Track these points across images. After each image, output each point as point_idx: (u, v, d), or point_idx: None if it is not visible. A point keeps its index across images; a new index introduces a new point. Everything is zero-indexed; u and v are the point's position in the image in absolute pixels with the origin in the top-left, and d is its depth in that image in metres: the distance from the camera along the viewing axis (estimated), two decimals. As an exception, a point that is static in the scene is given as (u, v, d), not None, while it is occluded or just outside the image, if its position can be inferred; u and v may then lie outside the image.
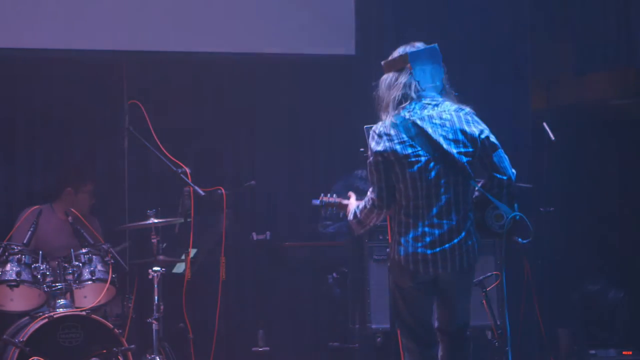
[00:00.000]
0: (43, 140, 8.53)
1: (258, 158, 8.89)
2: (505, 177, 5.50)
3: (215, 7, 8.58)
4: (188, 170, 7.39)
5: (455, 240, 5.44)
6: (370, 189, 5.57)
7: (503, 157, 5.51)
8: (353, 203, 5.87)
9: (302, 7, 8.71)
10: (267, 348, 7.84)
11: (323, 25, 8.73)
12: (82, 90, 8.48)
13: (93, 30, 8.32)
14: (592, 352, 8.19)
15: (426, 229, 5.44)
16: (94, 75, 8.47)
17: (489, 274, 7.01)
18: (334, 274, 7.97)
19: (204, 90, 8.75)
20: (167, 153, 7.41)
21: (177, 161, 7.41)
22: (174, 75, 8.66)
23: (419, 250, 5.44)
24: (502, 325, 7.16)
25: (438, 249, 5.43)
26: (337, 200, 6.09)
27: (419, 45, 5.60)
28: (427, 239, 5.43)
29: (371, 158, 5.52)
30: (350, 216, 5.76)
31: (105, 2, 8.38)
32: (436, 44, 5.63)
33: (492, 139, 5.51)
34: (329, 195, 6.16)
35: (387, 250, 5.71)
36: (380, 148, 5.48)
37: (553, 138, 7.48)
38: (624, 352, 8.19)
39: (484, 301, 6.94)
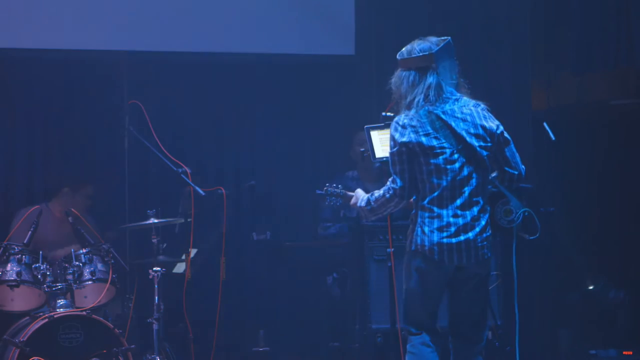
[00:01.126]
0: (43, 140, 8.53)
1: (258, 158, 8.88)
2: (516, 172, 5.67)
3: (215, 8, 8.57)
4: (188, 170, 7.38)
5: (478, 229, 5.56)
6: (391, 179, 5.64)
7: (515, 152, 5.67)
8: (360, 192, 5.93)
9: (302, 7, 8.71)
10: (267, 348, 7.84)
11: (323, 25, 8.73)
12: (82, 90, 8.48)
13: (93, 30, 8.31)
14: (592, 352, 8.20)
15: (451, 219, 5.55)
16: (94, 75, 8.46)
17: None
18: (334, 274, 7.97)
19: (204, 90, 8.75)
20: (167, 153, 7.41)
21: (177, 161, 7.41)
22: (174, 75, 8.65)
23: (444, 240, 5.54)
24: (502, 325, 7.18)
25: (462, 238, 5.54)
26: (342, 191, 6.12)
27: (435, 40, 5.65)
28: (452, 229, 5.54)
29: (395, 148, 5.58)
30: (362, 203, 5.81)
31: (105, 2, 8.38)
32: (450, 38, 5.66)
33: (506, 134, 5.66)
34: (334, 185, 6.19)
35: (406, 241, 5.73)
36: (405, 139, 5.55)
37: (553, 138, 7.49)
38: (624, 352, 8.19)
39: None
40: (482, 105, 5.67)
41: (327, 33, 8.74)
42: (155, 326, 7.16)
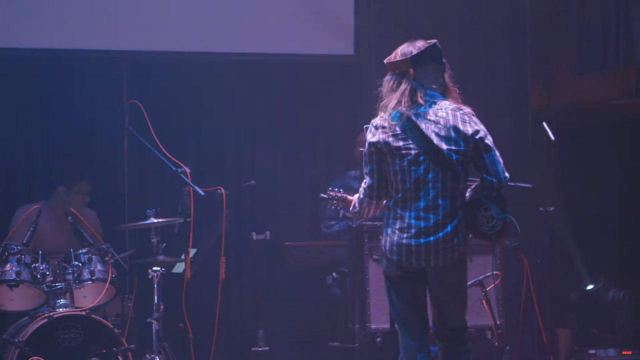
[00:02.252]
0: (43, 140, 8.53)
1: (258, 158, 8.88)
2: (495, 180, 5.53)
3: (215, 8, 8.58)
4: (188, 170, 7.39)
5: (441, 234, 5.50)
6: (364, 181, 5.66)
7: (496, 160, 5.53)
8: (355, 198, 5.93)
9: (302, 7, 8.71)
10: (267, 348, 7.83)
11: (323, 25, 8.73)
12: (82, 90, 8.48)
13: (93, 30, 8.32)
14: (592, 352, 8.19)
15: (412, 221, 5.51)
16: (94, 75, 8.46)
17: (488, 273, 7.01)
18: (334, 274, 7.97)
19: (203, 90, 8.75)
20: (167, 153, 7.41)
21: (177, 161, 7.41)
22: (174, 75, 8.65)
23: (404, 241, 5.51)
24: (502, 325, 7.18)
25: (422, 241, 5.50)
26: (343, 195, 6.16)
27: (420, 44, 5.62)
28: (413, 231, 5.51)
29: (366, 149, 5.61)
30: (351, 207, 5.84)
31: (105, 2, 8.38)
32: (435, 40, 5.65)
33: (487, 140, 5.53)
34: (336, 189, 6.22)
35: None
36: (374, 139, 5.57)
37: (553, 138, 7.48)
38: (624, 352, 8.19)
39: (483, 301, 6.95)
40: (466, 110, 5.57)
41: (327, 33, 8.75)
42: (155, 326, 7.16)
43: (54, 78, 8.47)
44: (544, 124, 7.58)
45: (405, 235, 5.51)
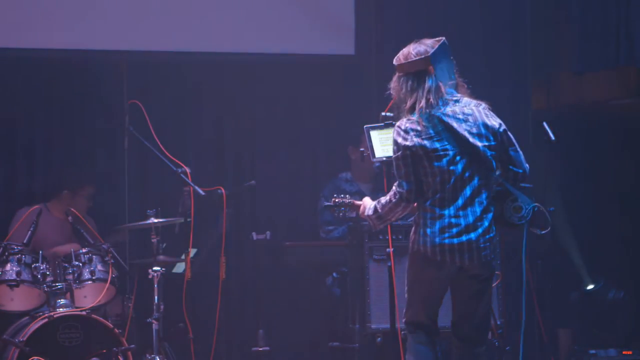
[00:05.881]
0: (43, 140, 8.53)
1: (258, 158, 8.88)
2: (520, 171, 5.67)
3: (215, 7, 8.58)
4: (188, 170, 7.39)
5: (480, 230, 5.56)
6: (396, 184, 5.65)
7: (519, 151, 5.67)
8: (368, 200, 5.95)
9: (302, 6, 8.71)
10: (267, 348, 7.83)
11: (323, 25, 8.73)
12: (82, 90, 8.48)
13: (93, 30, 8.31)
14: (592, 352, 8.19)
15: (452, 219, 5.56)
16: (94, 75, 8.46)
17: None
18: (334, 274, 7.97)
19: (203, 90, 8.75)
20: (167, 153, 7.41)
21: (177, 161, 7.42)
22: (174, 75, 8.65)
23: (446, 241, 5.55)
24: (502, 325, 7.17)
25: (464, 238, 5.55)
26: (350, 200, 6.15)
27: (430, 42, 5.65)
28: (454, 230, 5.55)
29: (399, 153, 5.59)
30: (370, 212, 5.83)
31: (105, 2, 8.38)
32: (444, 38, 5.66)
33: (509, 133, 5.66)
34: (341, 196, 6.21)
35: (408, 243, 5.74)
36: (408, 143, 5.56)
37: (553, 138, 7.48)
38: (624, 352, 8.19)
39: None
40: (484, 105, 5.68)
41: (327, 33, 8.74)
42: (155, 326, 7.16)
43: (53, 78, 8.46)
44: (544, 123, 7.58)
45: (447, 234, 5.55)
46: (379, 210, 5.76)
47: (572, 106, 9.08)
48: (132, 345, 7.09)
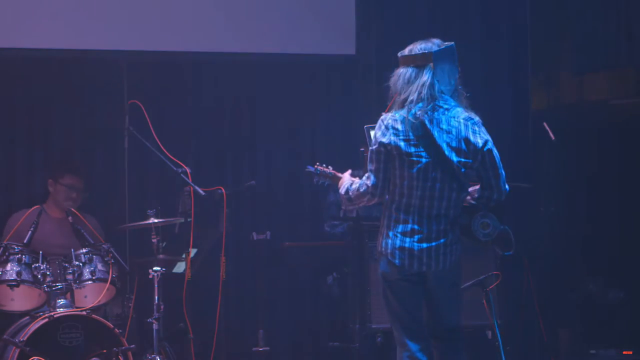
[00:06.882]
0: (43, 141, 8.52)
1: (258, 158, 8.88)
2: (496, 195, 5.62)
3: (216, 7, 8.58)
4: (188, 170, 7.39)
5: (442, 241, 5.55)
6: (366, 176, 5.65)
7: (500, 174, 5.60)
8: (347, 178, 5.93)
9: (302, 6, 8.71)
10: (267, 348, 7.83)
11: (323, 25, 8.73)
12: (82, 91, 8.47)
13: (93, 30, 8.31)
14: (592, 352, 8.20)
15: (415, 226, 5.54)
16: (94, 75, 8.46)
17: (488, 273, 7.01)
18: (334, 274, 7.97)
19: (203, 90, 8.75)
20: (167, 153, 7.41)
21: (177, 161, 7.42)
22: (174, 75, 8.65)
23: (407, 245, 5.54)
24: (501, 325, 7.17)
25: (425, 245, 5.53)
26: (332, 172, 6.11)
27: (438, 42, 5.66)
28: (416, 236, 5.54)
29: (374, 147, 5.59)
30: (342, 190, 5.83)
31: (105, 2, 8.38)
32: (453, 43, 5.66)
33: (494, 152, 5.59)
34: (324, 165, 6.19)
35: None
36: (385, 140, 5.56)
37: (553, 138, 7.48)
38: (624, 352, 8.19)
39: (483, 301, 6.94)
40: (475, 119, 5.60)
41: (327, 33, 8.74)
42: (155, 326, 7.15)
43: (53, 78, 8.46)
44: (545, 124, 7.60)
45: (408, 239, 5.54)
46: (350, 193, 5.76)
47: (572, 106, 9.08)
48: (132, 345, 7.08)
